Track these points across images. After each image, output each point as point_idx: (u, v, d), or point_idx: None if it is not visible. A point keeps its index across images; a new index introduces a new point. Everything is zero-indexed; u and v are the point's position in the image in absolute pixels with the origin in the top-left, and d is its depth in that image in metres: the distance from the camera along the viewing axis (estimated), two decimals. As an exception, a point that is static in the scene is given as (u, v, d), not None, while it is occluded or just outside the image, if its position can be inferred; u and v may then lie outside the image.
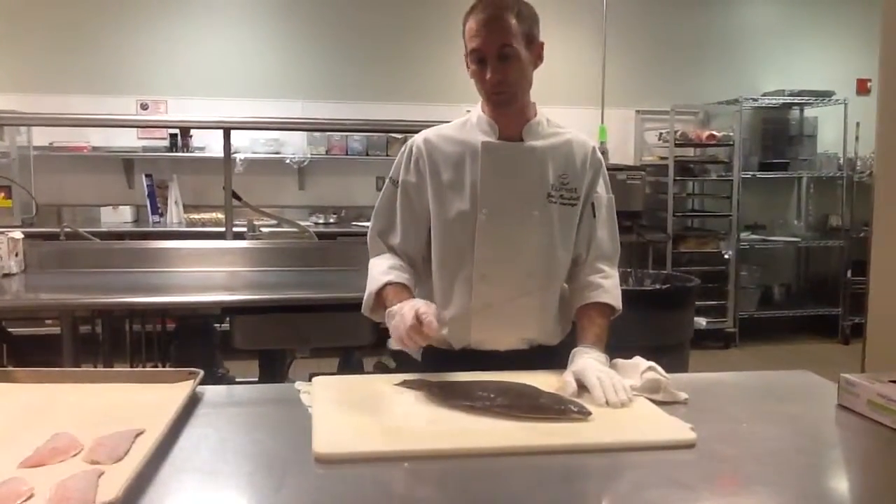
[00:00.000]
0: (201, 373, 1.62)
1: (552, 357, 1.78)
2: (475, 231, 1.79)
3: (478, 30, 1.70)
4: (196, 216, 5.82)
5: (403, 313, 1.60)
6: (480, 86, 1.75)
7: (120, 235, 5.01)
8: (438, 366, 1.76)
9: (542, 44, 1.77)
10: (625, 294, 1.89)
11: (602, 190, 1.89)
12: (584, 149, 1.86)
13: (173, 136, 5.82)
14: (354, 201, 6.18)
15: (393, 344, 1.67)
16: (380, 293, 1.78)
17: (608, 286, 1.86)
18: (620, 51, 6.33)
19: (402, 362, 1.70)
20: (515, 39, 1.69)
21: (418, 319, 1.55)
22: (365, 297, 1.82)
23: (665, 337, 3.81)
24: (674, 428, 1.40)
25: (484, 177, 1.78)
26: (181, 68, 5.95)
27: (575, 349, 1.72)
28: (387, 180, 1.90)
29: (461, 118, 1.88)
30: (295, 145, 6.02)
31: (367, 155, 6.09)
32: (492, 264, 1.79)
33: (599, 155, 1.90)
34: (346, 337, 2.89)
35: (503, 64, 1.70)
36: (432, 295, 1.86)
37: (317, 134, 5.99)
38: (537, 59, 1.77)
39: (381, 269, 1.81)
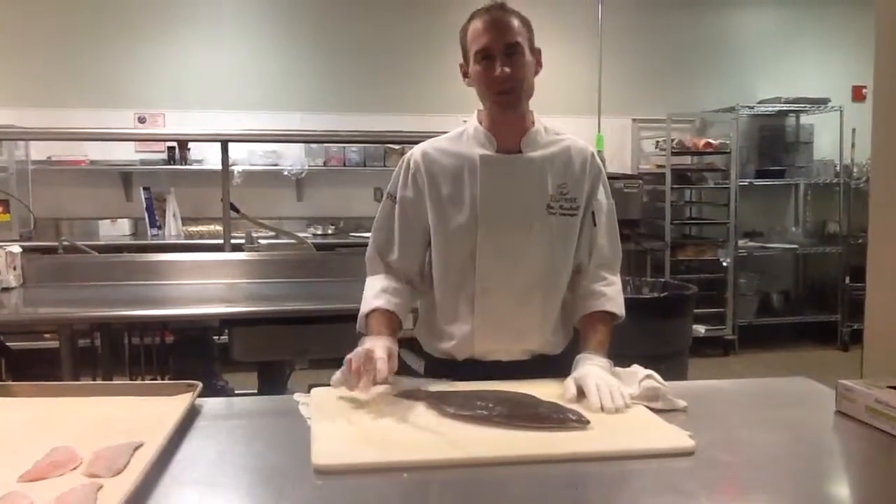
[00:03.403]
0: (200, 385, 1.62)
1: (554, 367, 1.78)
2: (476, 245, 1.79)
3: (484, 29, 1.71)
4: (194, 229, 5.82)
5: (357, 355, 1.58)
6: (486, 86, 1.74)
7: (118, 248, 5.00)
8: (441, 376, 1.77)
9: (539, 50, 1.79)
10: (624, 302, 1.89)
11: (602, 197, 1.88)
12: (582, 155, 1.85)
13: (171, 149, 5.82)
14: (352, 212, 6.18)
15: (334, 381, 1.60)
16: (368, 316, 1.79)
17: (610, 293, 1.86)
18: (616, 59, 6.36)
19: (402, 373, 1.69)
20: (521, 38, 1.72)
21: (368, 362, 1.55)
22: (358, 318, 1.83)
23: (664, 345, 3.82)
24: (673, 435, 1.40)
25: (483, 190, 1.77)
26: (178, 81, 5.96)
27: (578, 356, 1.73)
28: (384, 196, 1.90)
29: (457, 129, 1.88)
30: (293, 157, 6.02)
31: (365, 166, 6.09)
32: (493, 278, 1.79)
33: (599, 161, 1.89)
34: (345, 348, 2.84)
35: (511, 60, 1.70)
36: (434, 308, 1.87)
37: (314, 145, 5.99)
38: (537, 64, 1.78)
39: (373, 292, 1.82)
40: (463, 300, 1.82)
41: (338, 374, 1.59)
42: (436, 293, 1.86)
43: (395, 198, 1.86)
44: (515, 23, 1.72)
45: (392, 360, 1.60)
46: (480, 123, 1.83)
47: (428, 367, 1.92)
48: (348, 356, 1.59)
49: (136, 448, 1.30)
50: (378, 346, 1.61)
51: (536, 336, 1.84)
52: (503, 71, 1.70)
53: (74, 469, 1.22)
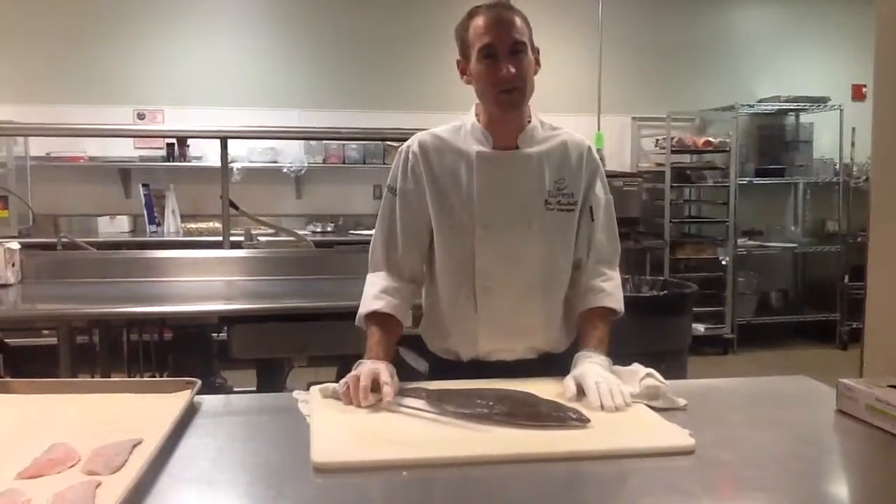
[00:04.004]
0: (199, 382, 1.62)
1: (559, 365, 1.77)
2: (474, 243, 1.78)
3: (487, 27, 1.69)
4: (193, 225, 5.82)
5: (361, 374, 1.58)
6: (489, 85, 1.71)
7: (117, 245, 4.99)
8: (445, 376, 1.76)
9: (538, 49, 1.77)
10: (623, 300, 1.88)
11: (600, 192, 1.86)
12: (579, 149, 1.83)
13: (170, 145, 5.81)
14: (352, 210, 6.19)
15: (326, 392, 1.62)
16: (368, 318, 1.78)
17: (609, 289, 1.84)
18: (616, 58, 6.35)
19: (403, 371, 1.69)
20: (524, 37, 1.71)
21: (376, 384, 1.55)
22: (357, 315, 1.82)
23: (663, 343, 3.81)
24: (673, 434, 1.40)
25: (480, 188, 1.76)
26: (178, 78, 5.95)
27: (578, 353, 1.73)
28: (385, 189, 1.88)
29: (456, 122, 1.85)
30: (292, 154, 6.01)
31: (364, 163, 6.09)
32: (493, 276, 1.78)
33: (596, 155, 1.87)
34: (344, 345, 2.86)
35: (515, 59, 1.69)
36: (438, 303, 1.85)
37: (314, 143, 5.99)
38: (537, 63, 1.77)
39: (373, 293, 1.80)
40: (465, 298, 1.80)
41: (332, 388, 1.59)
42: (438, 289, 1.85)
43: (396, 191, 1.84)
44: (519, 21, 1.71)
45: (395, 384, 1.59)
46: (478, 121, 1.81)
47: (432, 367, 1.90)
48: (352, 374, 1.58)
49: (135, 445, 1.29)
50: (383, 370, 1.60)
51: (540, 334, 1.83)
52: (509, 71, 1.68)
53: (73, 466, 1.22)
